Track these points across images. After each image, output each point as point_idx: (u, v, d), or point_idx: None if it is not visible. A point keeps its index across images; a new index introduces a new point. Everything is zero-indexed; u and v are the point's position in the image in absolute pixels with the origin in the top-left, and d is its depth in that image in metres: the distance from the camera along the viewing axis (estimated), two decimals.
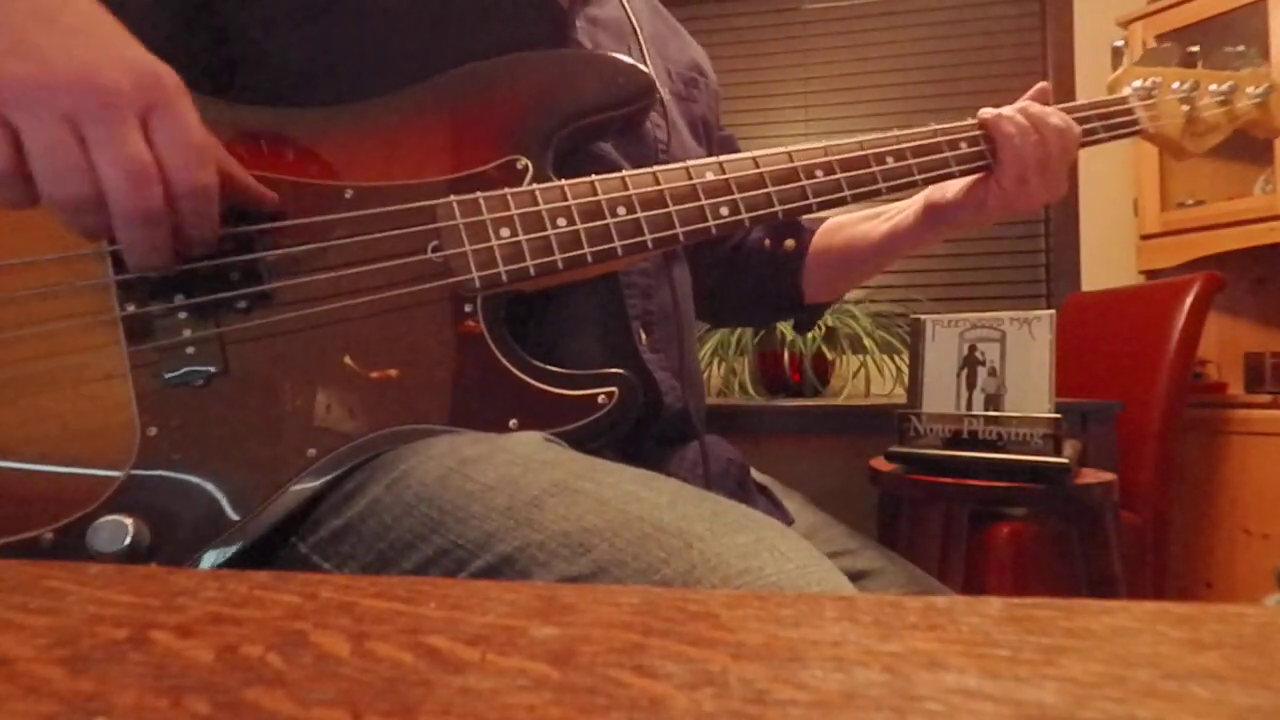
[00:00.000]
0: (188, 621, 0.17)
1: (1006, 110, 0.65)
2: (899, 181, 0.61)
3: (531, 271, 0.50)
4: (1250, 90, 0.73)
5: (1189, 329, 1.54)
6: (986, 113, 0.65)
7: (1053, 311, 0.94)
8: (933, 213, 0.70)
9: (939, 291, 2.29)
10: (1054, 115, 0.66)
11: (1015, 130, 0.64)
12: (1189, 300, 1.55)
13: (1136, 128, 0.71)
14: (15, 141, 0.40)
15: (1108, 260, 2.25)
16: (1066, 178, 0.67)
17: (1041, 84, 0.70)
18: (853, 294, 2.05)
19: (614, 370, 0.51)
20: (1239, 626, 0.16)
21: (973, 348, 0.99)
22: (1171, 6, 2.06)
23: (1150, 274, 2.14)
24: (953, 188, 0.69)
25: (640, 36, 0.65)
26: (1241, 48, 0.74)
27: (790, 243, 0.80)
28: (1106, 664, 0.14)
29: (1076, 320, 1.84)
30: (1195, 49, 0.74)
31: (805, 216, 0.68)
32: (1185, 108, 0.73)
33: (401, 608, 0.18)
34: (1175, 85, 0.73)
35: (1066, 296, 2.07)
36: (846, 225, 0.79)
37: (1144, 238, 2.14)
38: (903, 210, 0.74)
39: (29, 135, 0.39)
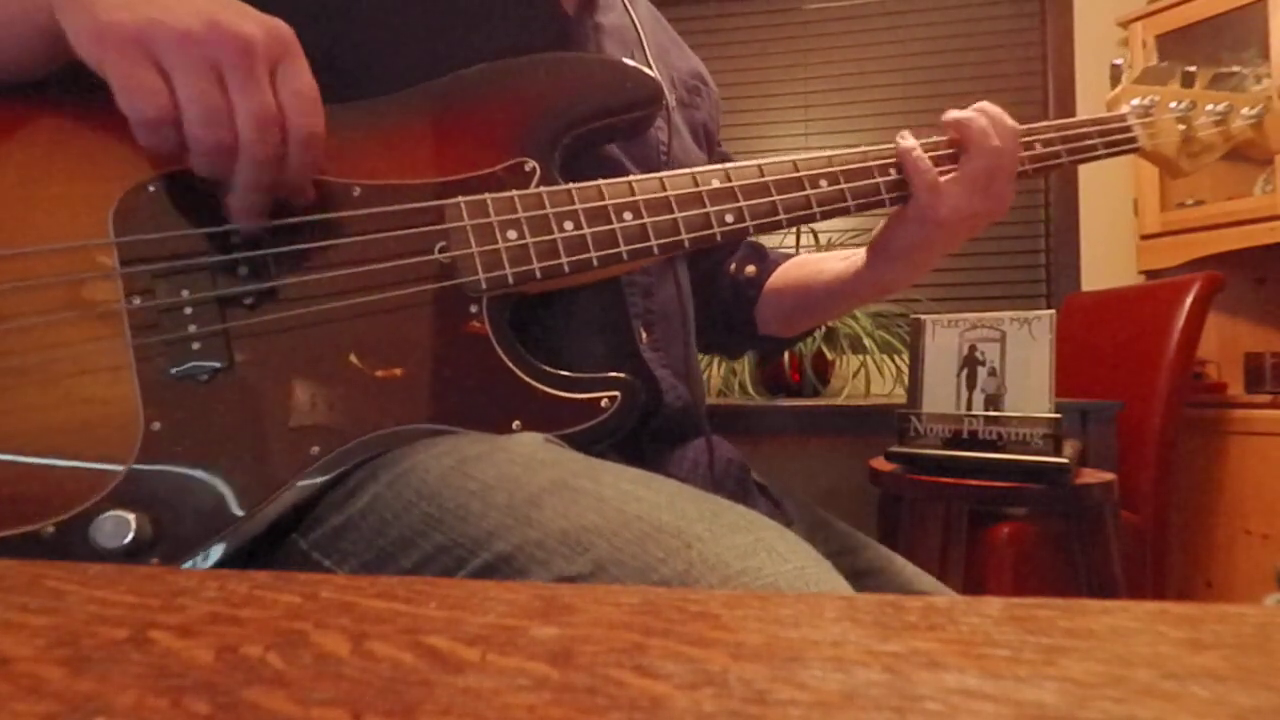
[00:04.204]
0: (188, 621, 0.17)
1: (967, 112, 0.62)
2: (901, 194, 0.61)
3: (537, 274, 0.50)
4: (1245, 111, 0.73)
5: (1189, 329, 1.55)
6: (954, 115, 0.63)
7: (1053, 311, 0.95)
8: (874, 249, 0.68)
9: (939, 291, 2.29)
10: (1007, 118, 0.63)
11: (988, 124, 0.61)
12: (1189, 300, 1.56)
13: (1134, 145, 0.70)
14: (171, 88, 0.41)
15: (1108, 260, 2.25)
16: (1012, 194, 0.63)
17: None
18: None
19: (616, 374, 0.51)
20: (1239, 626, 0.16)
21: (973, 348, 0.99)
22: (1171, 6, 2.06)
23: (1150, 274, 2.14)
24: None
25: (645, 44, 0.65)
26: (1237, 68, 0.74)
27: (751, 269, 0.78)
28: (1106, 664, 0.14)
29: (1076, 320, 1.85)
30: (1194, 68, 0.73)
31: (782, 248, 0.65)
32: (1181, 127, 0.72)
33: (401, 608, 0.18)
34: (1172, 104, 0.72)
35: (1066, 296, 2.07)
36: (809, 262, 0.77)
37: (1144, 238, 2.14)
38: (859, 250, 0.71)
39: (183, 81, 0.41)
